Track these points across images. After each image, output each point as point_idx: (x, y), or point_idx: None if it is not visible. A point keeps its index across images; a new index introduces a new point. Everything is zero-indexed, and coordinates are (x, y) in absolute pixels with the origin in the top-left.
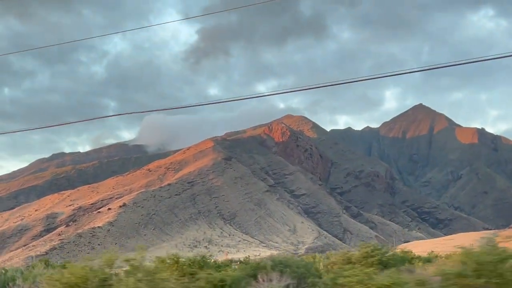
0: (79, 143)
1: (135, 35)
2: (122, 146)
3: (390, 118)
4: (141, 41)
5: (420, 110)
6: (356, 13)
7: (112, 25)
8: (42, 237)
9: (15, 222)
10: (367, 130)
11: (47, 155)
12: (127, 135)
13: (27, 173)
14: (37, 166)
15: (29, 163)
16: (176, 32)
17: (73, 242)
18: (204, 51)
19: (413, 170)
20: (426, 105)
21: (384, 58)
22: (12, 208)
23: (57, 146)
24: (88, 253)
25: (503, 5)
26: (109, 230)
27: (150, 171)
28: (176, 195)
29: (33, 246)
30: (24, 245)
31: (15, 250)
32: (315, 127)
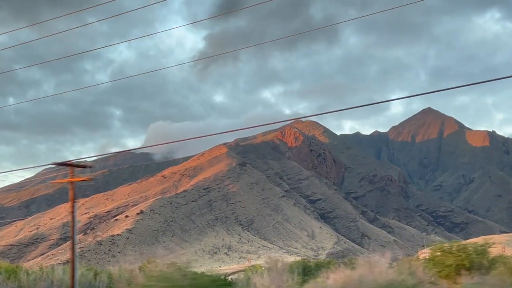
0: (84, 152)
1: (140, 43)
2: (128, 154)
3: (398, 122)
4: (146, 49)
5: (428, 114)
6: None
7: (118, 33)
8: (59, 245)
9: (31, 231)
10: (376, 134)
11: (51, 165)
12: (132, 143)
13: (36, 182)
14: (45, 176)
15: (36, 173)
16: (181, 39)
17: (93, 250)
18: (213, 57)
19: (424, 174)
20: (435, 108)
21: (390, 63)
22: (24, 217)
23: (61, 155)
24: (109, 261)
25: (509, 7)
26: (128, 238)
27: (164, 177)
28: (192, 201)
29: (52, 255)
30: (42, 254)
31: (33, 259)
32: (326, 131)
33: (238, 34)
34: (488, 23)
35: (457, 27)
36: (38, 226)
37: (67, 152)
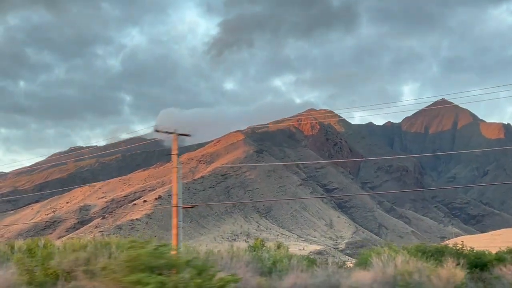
0: (93, 137)
1: (152, 29)
2: (139, 140)
3: (410, 113)
4: (158, 35)
5: (442, 105)
6: (379, 6)
7: (130, 18)
8: (77, 229)
9: (47, 214)
10: (389, 125)
11: (62, 149)
12: (140, 129)
13: (48, 166)
14: (56, 160)
15: (45, 157)
16: (194, 26)
17: (113, 234)
18: (227, 43)
19: (436, 166)
20: (449, 100)
21: (403, 53)
22: (38, 201)
23: (70, 140)
24: None
25: None
26: (147, 223)
27: (182, 163)
28: (210, 188)
29: (71, 238)
30: (59, 237)
31: None
32: (341, 121)
33: (254, 20)
34: (503, 15)
35: (471, 18)
36: (54, 209)
37: (76, 137)
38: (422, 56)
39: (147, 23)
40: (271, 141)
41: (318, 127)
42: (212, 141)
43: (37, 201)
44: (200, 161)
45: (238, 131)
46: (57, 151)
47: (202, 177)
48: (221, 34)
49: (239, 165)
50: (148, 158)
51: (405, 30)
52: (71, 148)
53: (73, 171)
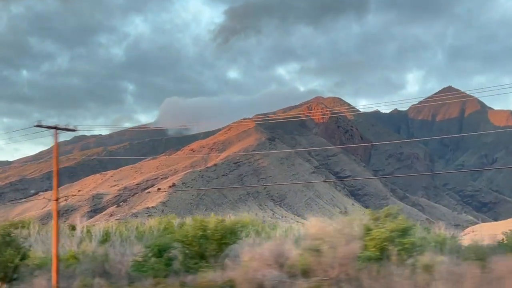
0: (96, 126)
1: (156, 17)
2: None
3: (416, 101)
4: (162, 23)
5: (450, 93)
6: None
7: (134, 6)
8: (91, 217)
9: (59, 203)
10: (396, 112)
11: (66, 138)
12: (144, 118)
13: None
14: (61, 149)
15: (49, 146)
16: (198, 14)
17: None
18: (234, 31)
19: (444, 154)
20: (456, 87)
21: (408, 41)
22: (46, 189)
23: None
24: None
25: None
26: (163, 210)
27: (193, 151)
28: (223, 175)
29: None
30: None
31: None
32: (351, 108)
33: (262, 6)
34: (510, 2)
35: (477, 5)
36: (66, 198)
37: (78, 127)
38: (427, 44)
39: (151, 11)
40: (282, 129)
41: (329, 114)
42: (222, 128)
43: (46, 190)
44: (212, 148)
45: (247, 119)
46: (61, 140)
47: (215, 165)
48: (228, 22)
49: (252, 152)
50: (156, 146)
51: (410, 17)
52: (75, 137)
53: (80, 160)
